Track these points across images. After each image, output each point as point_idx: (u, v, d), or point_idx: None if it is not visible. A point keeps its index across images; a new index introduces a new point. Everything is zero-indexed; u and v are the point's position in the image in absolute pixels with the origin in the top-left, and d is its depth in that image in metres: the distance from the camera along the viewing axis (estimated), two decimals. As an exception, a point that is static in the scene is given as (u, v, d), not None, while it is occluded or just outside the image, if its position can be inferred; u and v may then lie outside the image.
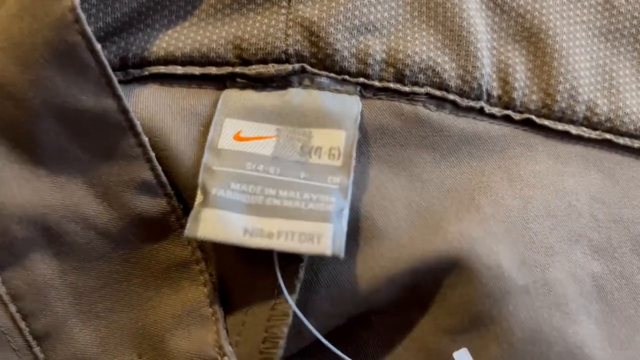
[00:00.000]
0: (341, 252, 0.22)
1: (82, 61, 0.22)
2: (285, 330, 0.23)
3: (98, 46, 0.22)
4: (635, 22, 0.28)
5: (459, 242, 0.24)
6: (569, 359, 0.24)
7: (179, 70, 0.25)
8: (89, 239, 0.24)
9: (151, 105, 0.24)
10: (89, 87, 0.22)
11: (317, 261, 0.24)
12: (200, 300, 0.24)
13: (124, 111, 0.23)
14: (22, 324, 0.23)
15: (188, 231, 0.22)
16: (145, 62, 0.25)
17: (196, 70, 0.25)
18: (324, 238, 0.22)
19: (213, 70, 0.25)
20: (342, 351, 0.23)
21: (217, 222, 0.22)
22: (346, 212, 0.23)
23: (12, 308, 0.23)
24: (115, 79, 0.22)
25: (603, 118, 0.27)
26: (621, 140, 0.27)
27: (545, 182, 0.26)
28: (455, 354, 0.24)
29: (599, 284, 0.25)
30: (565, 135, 0.27)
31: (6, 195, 0.23)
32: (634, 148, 0.27)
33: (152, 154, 0.23)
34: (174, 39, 0.25)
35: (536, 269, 0.24)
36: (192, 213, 0.22)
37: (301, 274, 0.23)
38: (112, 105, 0.23)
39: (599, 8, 0.28)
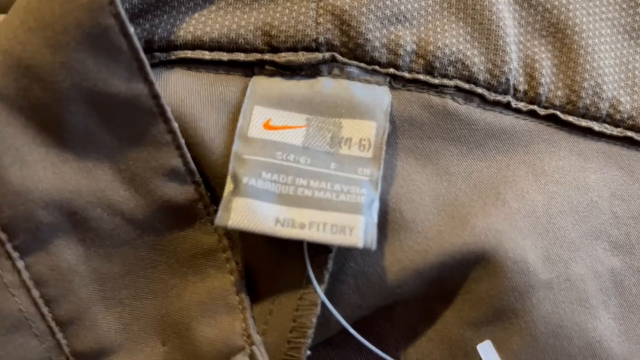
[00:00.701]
0: (373, 244, 0.22)
1: (114, 44, 0.21)
2: (314, 320, 0.23)
3: (131, 29, 0.21)
4: (659, 20, 0.28)
5: (486, 236, 0.24)
6: (588, 353, 0.24)
7: (207, 55, 0.25)
8: (115, 225, 0.23)
9: (180, 91, 0.24)
10: (121, 71, 0.22)
11: (344, 252, 0.24)
12: (227, 288, 0.24)
13: (155, 96, 0.22)
14: (45, 310, 0.23)
15: (219, 220, 0.22)
16: (171, 46, 0.25)
17: (224, 56, 0.25)
18: (356, 230, 0.22)
19: (241, 56, 0.25)
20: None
21: (249, 212, 0.22)
22: (376, 204, 0.23)
23: (35, 293, 0.23)
24: (147, 64, 0.22)
25: (625, 115, 0.27)
26: (642, 138, 0.27)
27: (569, 178, 0.26)
28: (479, 346, 0.24)
29: (618, 279, 0.26)
30: (588, 132, 0.27)
31: (32, 180, 0.22)
32: (655, 146, 0.27)
33: (182, 141, 0.23)
34: (202, 23, 0.25)
35: (559, 264, 0.24)
36: (223, 202, 0.22)
37: (330, 264, 0.23)
38: (143, 90, 0.22)
39: (624, 5, 0.28)
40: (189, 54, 0.25)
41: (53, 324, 0.23)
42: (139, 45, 0.22)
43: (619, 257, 0.26)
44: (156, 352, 0.24)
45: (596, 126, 0.27)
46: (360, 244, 0.22)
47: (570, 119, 0.27)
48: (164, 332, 0.24)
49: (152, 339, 0.24)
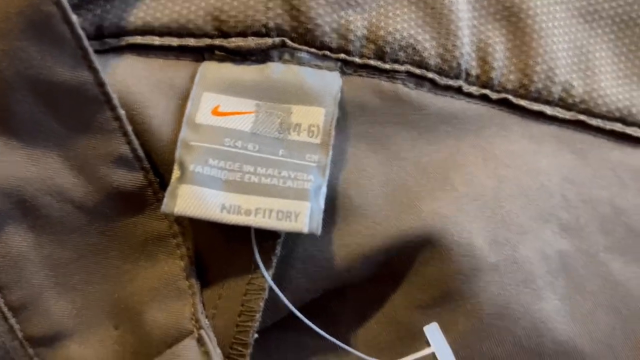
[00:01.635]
0: (318, 229, 0.22)
1: (57, 32, 0.21)
2: (262, 304, 0.23)
3: (74, 17, 0.21)
4: (613, 3, 0.28)
5: (433, 220, 0.24)
6: (533, 333, 0.25)
7: (157, 41, 0.25)
8: (65, 212, 0.23)
9: (128, 77, 0.24)
10: (65, 59, 0.22)
11: (293, 236, 0.24)
12: (177, 273, 0.24)
13: (101, 84, 0.22)
14: (-3, 295, 0.23)
15: (165, 207, 0.22)
16: (122, 32, 0.25)
17: (174, 42, 0.25)
18: (302, 216, 0.22)
19: (191, 41, 0.25)
20: (316, 323, 0.24)
21: (195, 198, 0.22)
22: (324, 190, 0.23)
23: (-13, 280, 0.23)
24: (91, 51, 0.22)
25: (578, 99, 0.27)
26: (594, 122, 0.27)
27: (519, 162, 0.26)
28: (426, 328, 0.24)
29: (566, 261, 0.26)
30: (540, 116, 0.27)
31: (-21, 167, 0.22)
32: (606, 130, 0.28)
33: (129, 128, 0.23)
34: (152, 9, 0.25)
35: (506, 246, 0.25)
36: (169, 189, 0.22)
37: (278, 249, 0.23)
38: (88, 78, 0.22)
39: (579, -12, 0.28)
40: (139, 39, 0.25)
41: (5, 309, 0.23)
42: (82, 33, 0.22)
43: (567, 239, 0.26)
44: (109, 336, 0.24)
45: (548, 110, 0.27)
46: (305, 229, 0.22)
47: (523, 103, 0.27)
48: (117, 317, 0.24)
49: (104, 323, 0.24)
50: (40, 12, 0.21)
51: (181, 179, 0.22)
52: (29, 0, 0.21)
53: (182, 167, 0.23)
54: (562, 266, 0.26)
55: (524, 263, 0.25)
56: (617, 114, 0.28)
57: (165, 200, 0.22)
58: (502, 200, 0.25)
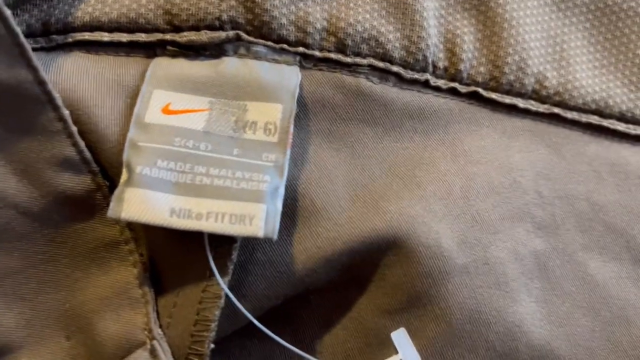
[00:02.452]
0: (274, 233, 0.21)
1: (-10, 29, 0.20)
2: (217, 312, 0.22)
3: (8, 12, 0.20)
4: (588, -9, 0.27)
5: (398, 221, 0.23)
6: (507, 338, 0.23)
7: (106, 37, 0.24)
8: (9, 219, 0.22)
9: (74, 76, 0.23)
10: (1, 57, 0.20)
11: (252, 241, 0.23)
12: (130, 281, 0.23)
13: (41, 82, 0.21)
14: (-61, 309, 0.22)
15: (111, 211, 0.21)
16: (69, 28, 0.24)
17: (124, 37, 0.24)
18: (256, 219, 0.21)
19: (142, 37, 0.24)
20: (280, 330, 0.23)
21: (142, 202, 0.21)
22: (281, 191, 0.22)
23: None
24: (29, 49, 0.21)
25: (552, 91, 0.26)
26: (569, 115, 0.26)
27: (490, 158, 0.25)
28: (393, 334, 0.23)
29: (541, 261, 0.25)
30: (512, 109, 0.26)
31: None
32: (582, 123, 0.27)
33: (74, 129, 0.22)
34: (100, 3, 0.24)
35: (477, 247, 0.24)
36: (116, 192, 0.21)
37: (234, 255, 0.22)
38: (27, 77, 0.21)
39: (552, -25, 0.27)
40: (87, 36, 0.24)
41: (-52, 323, 0.22)
42: (17, 29, 0.20)
43: (543, 238, 0.25)
44: (60, 348, 0.23)
45: (521, 103, 0.26)
46: (260, 233, 0.21)
47: (494, 96, 0.26)
48: (68, 327, 0.23)
49: (55, 334, 0.23)
50: None
51: (128, 182, 0.21)
52: (-41, -5, 0.20)
53: (130, 170, 0.21)
54: (537, 267, 0.25)
55: (495, 264, 0.24)
56: (594, 106, 0.26)
57: (111, 204, 0.21)
58: (472, 198, 0.24)
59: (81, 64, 0.23)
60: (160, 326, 0.23)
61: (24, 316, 0.23)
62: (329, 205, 0.23)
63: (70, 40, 0.24)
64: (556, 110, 0.26)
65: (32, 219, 0.23)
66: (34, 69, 0.21)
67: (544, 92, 0.26)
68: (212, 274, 0.22)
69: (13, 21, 0.20)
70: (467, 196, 0.24)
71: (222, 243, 0.22)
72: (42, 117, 0.22)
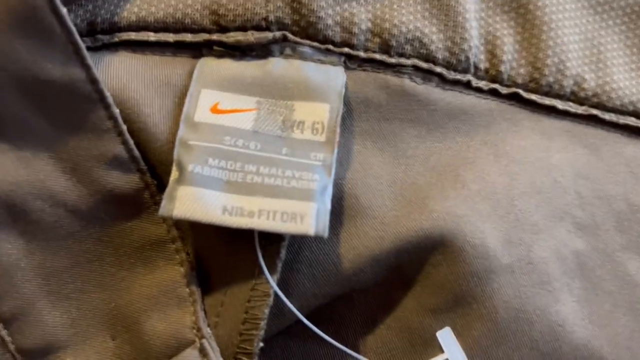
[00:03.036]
0: (325, 231, 0.21)
1: (46, 27, 0.20)
2: (266, 311, 0.22)
3: (64, 10, 0.20)
4: (624, -6, 0.27)
5: (444, 220, 0.23)
6: (550, 337, 0.23)
7: (152, 37, 0.24)
8: (58, 217, 0.22)
9: (122, 75, 0.23)
10: (55, 55, 0.21)
11: (298, 240, 0.23)
12: (177, 280, 0.23)
13: (93, 81, 0.21)
14: (-13, 307, 0.22)
15: (163, 209, 0.21)
16: (115, 28, 0.24)
17: (170, 37, 0.24)
18: (307, 217, 0.21)
19: (188, 37, 0.24)
20: (323, 330, 0.23)
21: (194, 200, 0.21)
22: (330, 190, 0.22)
23: (-24, 290, 0.22)
24: (83, 47, 0.21)
25: (590, 93, 0.26)
26: (607, 116, 0.26)
27: (531, 158, 0.25)
28: (439, 333, 0.23)
29: (582, 261, 0.25)
30: (551, 110, 0.26)
31: (-35, 171, 0.21)
32: (620, 124, 0.27)
33: (124, 127, 0.22)
34: (147, 3, 0.24)
35: (521, 247, 0.24)
36: (168, 190, 0.21)
37: (283, 253, 0.22)
38: (80, 75, 0.21)
39: (589, -22, 0.27)
40: (133, 35, 0.24)
41: (-4, 321, 0.22)
42: (72, 27, 0.20)
43: (583, 238, 0.25)
44: (105, 347, 0.23)
45: (560, 104, 0.26)
46: (311, 231, 0.21)
47: (533, 97, 0.26)
48: (113, 327, 0.23)
49: (101, 334, 0.23)
50: (25, 4, 0.20)
51: (180, 180, 0.21)
52: (15, -8, 0.20)
53: (181, 168, 0.21)
54: (578, 266, 0.25)
55: (539, 264, 0.24)
56: (631, 108, 0.27)
57: (163, 202, 0.21)
58: (515, 198, 0.24)
59: (128, 64, 0.23)
60: (208, 325, 0.23)
61: (69, 315, 0.23)
62: (374, 204, 0.23)
63: (116, 39, 0.24)
64: (594, 111, 0.26)
65: (80, 217, 0.23)
66: (87, 67, 0.21)
67: (582, 94, 0.26)
68: (261, 272, 0.22)
69: (69, 19, 0.20)
70: (510, 196, 0.24)
71: (271, 241, 0.22)
72: (93, 116, 0.22)
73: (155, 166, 0.23)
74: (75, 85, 0.21)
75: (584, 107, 0.26)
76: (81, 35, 0.23)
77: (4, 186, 0.22)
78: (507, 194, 0.24)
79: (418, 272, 0.23)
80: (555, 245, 0.25)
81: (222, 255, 0.23)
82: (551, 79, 0.26)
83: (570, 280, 0.25)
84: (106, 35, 0.24)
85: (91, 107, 0.21)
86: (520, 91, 0.26)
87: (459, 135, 0.25)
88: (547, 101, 0.26)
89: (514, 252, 0.24)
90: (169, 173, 0.22)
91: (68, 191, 0.22)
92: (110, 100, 0.22)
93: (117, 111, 0.22)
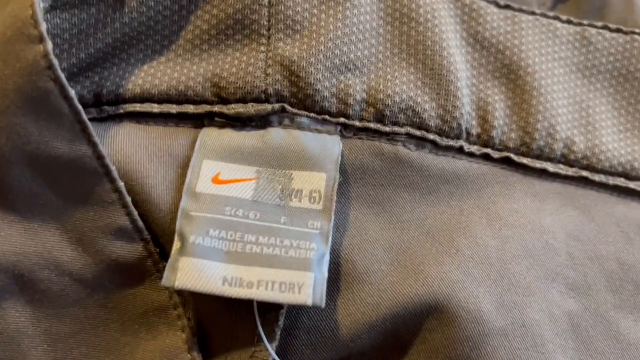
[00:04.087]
0: (322, 301, 0.22)
1: (55, 108, 0.21)
2: (266, 378, 0.22)
3: (72, 92, 0.21)
4: (611, 58, 0.28)
5: (439, 286, 0.24)
6: (545, 399, 0.24)
7: (156, 108, 0.25)
8: (64, 286, 0.23)
9: (127, 147, 0.24)
10: (63, 133, 0.22)
11: (297, 308, 0.24)
12: (179, 346, 0.23)
13: (100, 157, 0.22)
14: (-6, 373, 0.23)
15: (166, 280, 0.22)
16: (120, 100, 0.25)
17: (173, 109, 0.25)
18: (305, 287, 0.22)
19: (191, 108, 0.25)
20: (322, 393, 0.23)
21: (196, 272, 0.22)
22: (327, 258, 0.23)
23: (-16, 357, 0.23)
24: (90, 126, 0.22)
25: (580, 156, 0.27)
26: (597, 178, 0.27)
27: (524, 222, 0.26)
28: (435, 397, 0.24)
29: (575, 322, 0.26)
30: (543, 173, 0.27)
31: (-24, 244, 0.22)
32: (610, 185, 0.27)
33: (129, 199, 0.23)
34: (150, 76, 0.25)
35: (514, 310, 0.24)
36: (170, 261, 0.22)
37: (281, 321, 0.23)
38: (87, 152, 0.22)
39: (577, 44, 0.28)
40: (137, 107, 0.25)
41: (3, 388, 0.23)
42: (80, 107, 0.21)
43: (575, 299, 0.26)
44: (109, 412, 0.24)
45: (551, 167, 0.27)
46: (309, 302, 0.22)
47: (525, 161, 0.27)
48: (117, 392, 0.24)
49: (105, 399, 0.24)
50: (38, 89, 0.21)
51: (182, 252, 0.22)
52: (27, 77, 0.21)
53: (183, 239, 0.22)
54: (571, 327, 0.25)
55: (532, 326, 0.24)
56: (620, 169, 0.27)
57: (166, 273, 0.22)
58: (508, 262, 0.25)
59: (133, 135, 0.24)
60: (209, 391, 0.23)
61: (75, 380, 0.24)
62: (371, 270, 0.24)
63: (121, 111, 0.25)
64: (584, 173, 0.27)
65: (85, 285, 0.23)
66: (94, 145, 0.22)
67: (572, 157, 0.27)
68: (260, 340, 0.23)
69: (76, 101, 0.21)
70: (503, 260, 0.25)
71: (269, 309, 0.23)
72: (99, 189, 0.22)
73: (158, 235, 0.24)
74: (82, 161, 0.22)
75: (574, 170, 0.27)
76: (87, 106, 0.24)
77: (12, 257, 0.22)
78: (500, 258, 0.25)
79: (414, 337, 0.24)
80: (548, 307, 0.25)
81: (222, 322, 0.24)
82: (542, 143, 0.27)
83: (564, 341, 0.25)
84: (112, 106, 0.25)
85: (97, 181, 0.22)
86: (512, 155, 0.26)
87: (452, 199, 0.26)
88: (539, 164, 0.27)
89: (507, 315, 0.24)
90: (171, 242, 0.23)
91: (74, 261, 0.23)
92: (115, 174, 0.22)
93: (122, 184, 0.23)
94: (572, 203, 0.27)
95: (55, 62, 0.21)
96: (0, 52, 0.21)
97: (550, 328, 0.25)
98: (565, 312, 0.25)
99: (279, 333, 0.23)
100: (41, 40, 0.21)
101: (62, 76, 0.21)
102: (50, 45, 0.21)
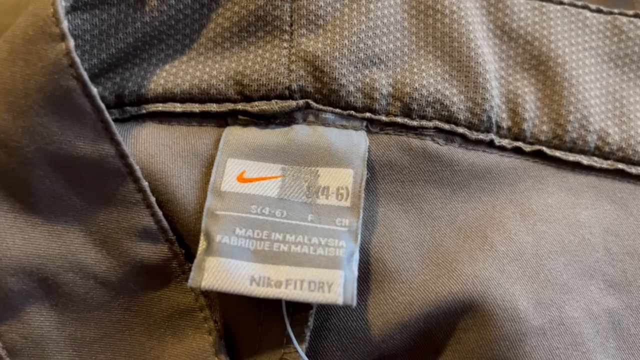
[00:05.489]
0: (353, 300, 0.21)
1: (77, 106, 0.21)
2: (296, 381, 0.22)
3: (94, 90, 0.21)
4: (644, 46, 0.28)
5: (473, 284, 0.23)
6: (587, 399, 0.23)
7: (178, 107, 0.24)
8: (88, 289, 0.23)
9: (150, 147, 0.23)
10: (86, 132, 0.21)
11: (326, 307, 0.23)
12: (206, 349, 0.23)
13: (123, 156, 0.22)
14: (19, 379, 0.22)
15: (192, 281, 0.21)
16: (142, 100, 0.24)
17: (196, 108, 0.24)
18: (335, 286, 0.21)
19: (213, 107, 0.24)
20: (353, 396, 0.23)
21: (222, 271, 0.21)
22: (356, 256, 0.22)
23: (9, 363, 0.22)
24: (112, 124, 0.21)
25: (615, 147, 0.26)
26: (633, 170, 0.26)
27: (558, 216, 0.25)
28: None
29: (615, 319, 0.24)
30: (576, 166, 0.26)
31: (0, 247, 0.21)
32: (647, 177, 0.26)
33: (153, 199, 0.22)
34: (172, 75, 0.25)
35: (552, 307, 0.23)
36: (196, 262, 0.21)
37: (311, 322, 0.22)
38: (110, 151, 0.22)
39: (608, 33, 0.27)
40: (159, 107, 0.24)
41: (28, 393, 0.22)
42: (102, 105, 0.21)
43: (615, 295, 0.25)
44: (136, 418, 0.23)
45: (585, 160, 0.26)
46: (339, 300, 0.21)
47: (558, 154, 0.26)
48: (143, 397, 0.23)
49: (131, 404, 0.23)
50: (60, 88, 0.21)
51: (208, 251, 0.22)
52: (49, 75, 0.20)
53: (209, 238, 0.22)
54: (611, 325, 0.24)
55: (571, 324, 0.23)
56: (657, 161, 0.26)
57: (192, 274, 0.21)
58: (544, 258, 0.24)
59: (156, 135, 0.24)
60: (237, 395, 0.22)
61: (100, 385, 0.23)
62: (402, 268, 0.23)
63: (143, 111, 0.24)
64: (620, 165, 0.26)
65: (110, 288, 0.23)
66: (116, 143, 0.22)
67: (606, 149, 0.26)
68: (289, 342, 0.22)
69: (99, 99, 0.21)
70: (538, 256, 0.24)
71: (298, 310, 0.22)
72: (123, 189, 0.22)
73: (183, 236, 0.23)
74: (105, 161, 0.22)
75: (609, 162, 0.26)
76: (109, 107, 0.24)
77: (36, 260, 0.22)
78: (535, 253, 0.24)
79: (448, 337, 0.23)
80: (586, 305, 0.24)
81: (250, 323, 0.23)
82: (574, 135, 0.26)
83: (604, 339, 0.24)
84: (134, 107, 0.24)
85: (121, 180, 0.22)
86: (544, 148, 0.26)
87: (484, 194, 0.25)
88: (572, 157, 0.26)
89: (545, 313, 0.23)
90: (196, 242, 0.22)
91: (98, 263, 0.23)
92: (139, 173, 0.22)
93: (145, 184, 0.22)
94: (608, 197, 0.26)
95: (77, 59, 0.20)
96: (22, 52, 0.21)
97: (590, 326, 0.24)
98: (604, 309, 0.24)
99: (308, 334, 0.22)
100: (63, 38, 0.20)
101: (84, 74, 0.21)
102: (72, 43, 0.20)
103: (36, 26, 0.21)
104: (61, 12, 0.20)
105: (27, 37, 0.21)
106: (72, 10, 0.23)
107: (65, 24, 0.20)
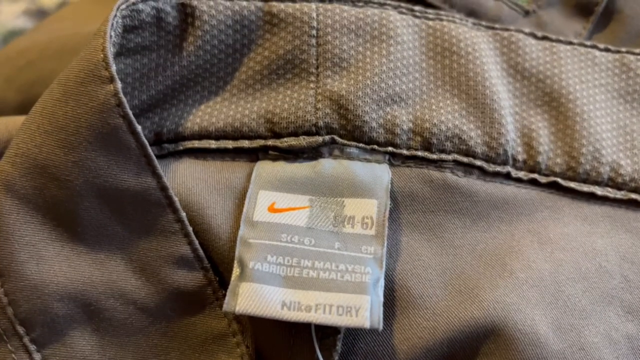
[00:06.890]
0: (379, 324, 0.22)
1: (123, 142, 0.23)
2: (325, 403, 0.23)
3: (139, 127, 0.23)
4: (652, 83, 0.29)
5: (495, 309, 0.24)
6: None
7: (213, 144, 0.26)
8: (128, 314, 0.24)
9: (187, 180, 0.25)
10: (130, 166, 0.23)
11: (353, 331, 0.24)
12: (238, 373, 0.24)
13: (164, 188, 0.23)
14: (61, 402, 0.23)
15: (227, 306, 0.22)
16: (179, 137, 0.26)
17: (229, 144, 0.26)
18: (362, 310, 0.22)
19: (246, 143, 0.26)
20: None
21: (255, 296, 0.22)
22: (382, 282, 0.23)
23: (52, 385, 0.23)
24: (154, 159, 0.23)
25: (627, 178, 0.27)
26: (647, 200, 0.27)
27: (575, 244, 0.26)
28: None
29: (635, 345, 0.25)
30: (591, 197, 0.27)
31: (47, 274, 0.23)
32: (660, 207, 0.27)
33: (190, 229, 0.24)
34: (207, 114, 0.26)
35: (571, 332, 0.24)
36: (230, 287, 0.23)
37: (339, 346, 0.23)
38: (152, 183, 0.23)
39: (616, 71, 0.29)
40: (196, 144, 0.26)
41: (69, 416, 0.23)
42: (146, 141, 0.23)
43: (634, 322, 0.25)
44: None
45: (599, 191, 0.27)
46: (367, 324, 0.22)
47: (572, 185, 0.27)
48: (178, 420, 0.24)
49: None
50: (108, 125, 0.22)
51: (241, 277, 0.23)
52: (98, 114, 0.22)
53: (242, 265, 0.23)
54: (631, 351, 0.25)
55: (591, 349, 0.24)
56: (669, 191, 0.27)
57: (226, 299, 0.22)
58: (562, 284, 0.25)
59: (192, 169, 0.26)
60: (268, 417, 0.23)
61: (137, 409, 0.24)
62: (425, 294, 0.24)
63: (180, 148, 0.26)
64: (633, 196, 0.27)
65: (148, 314, 0.24)
66: (158, 176, 0.23)
67: (619, 180, 0.27)
68: (318, 365, 0.23)
69: (142, 136, 0.23)
70: (557, 282, 0.25)
71: (327, 334, 0.23)
72: (162, 219, 0.24)
73: (217, 263, 0.24)
74: (147, 193, 0.23)
75: (622, 192, 0.27)
76: (149, 145, 0.26)
77: (80, 286, 0.23)
78: (553, 280, 0.25)
79: (471, 361, 0.24)
80: (605, 330, 0.25)
81: (280, 348, 0.24)
82: (588, 167, 0.27)
83: (624, 365, 0.25)
84: (171, 144, 0.26)
85: (161, 211, 0.24)
86: (559, 180, 0.27)
87: (503, 224, 0.26)
88: (586, 188, 0.27)
89: (564, 338, 0.24)
90: (229, 270, 0.23)
91: (138, 290, 0.24)
92: (177, 204, 0.24)
93: (184, 214, 0.24)
94: (623, 225, 0.27)
95: (124, 99, 0.22)
96: (74, 92, 0.23)
97: (610, 351, 0.24)
98: (624, 335, 0.25)
99: (336, 358, 0.23)
100: (111, 80, 0.22)
101: (130, 112, 0.22)
102: (119, 85, 0.22)
103: (88, 70, 0.23)
104: (110, 57, 0.23)
105: (79, 79, 0.23)
106: (116, 55, 0.25)
107: (114, 68, 0.22)
